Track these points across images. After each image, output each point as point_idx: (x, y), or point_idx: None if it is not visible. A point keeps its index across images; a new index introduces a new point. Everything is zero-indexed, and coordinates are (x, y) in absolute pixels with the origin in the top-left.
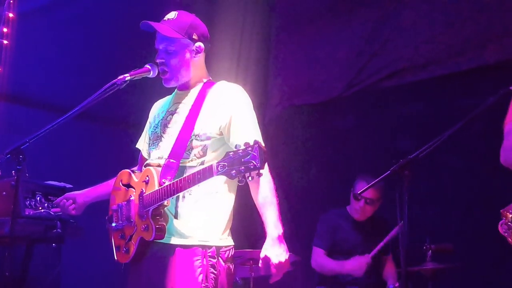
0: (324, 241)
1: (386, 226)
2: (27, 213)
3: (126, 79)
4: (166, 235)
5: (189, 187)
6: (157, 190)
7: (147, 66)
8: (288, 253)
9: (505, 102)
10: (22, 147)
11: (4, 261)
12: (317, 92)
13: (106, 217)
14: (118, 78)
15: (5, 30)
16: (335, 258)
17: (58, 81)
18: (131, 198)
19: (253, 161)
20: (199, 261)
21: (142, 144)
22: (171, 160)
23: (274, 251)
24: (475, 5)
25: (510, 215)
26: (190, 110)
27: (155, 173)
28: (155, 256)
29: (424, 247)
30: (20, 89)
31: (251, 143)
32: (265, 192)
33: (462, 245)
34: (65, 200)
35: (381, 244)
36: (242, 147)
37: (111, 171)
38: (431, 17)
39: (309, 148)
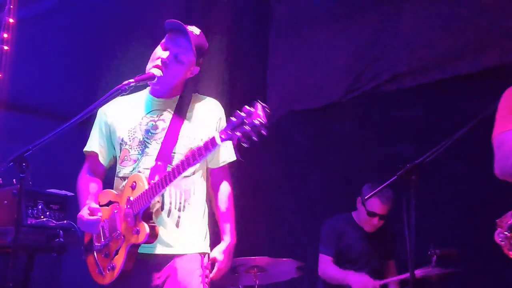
0: (330, 247)
1: (393, 233)
2: (29, 222)
3: (131, 84)
4: (166, 245)
5: (188, 167)
6: (147, 188)
7: (151, 71)
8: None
9: None
10: (25, 155)
11: (6, 271)
12: (316, 97)
13: (82, 247)
14: (123, 83)
15: (5, 36)
16: (341, 265)
17: (58, 87)
18: (115, 211)
19: (258, 119)
20: (199, 269)
21: (97, 146)
22: (158, 163)
23: (225, 258)
24: (473, 9)
25: (506, 225)
26: (177, 117)
27: (142, 176)
28: (154, 268)
29: (429, 252)
30: (20, 95)
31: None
32: (228, 203)
33: (467, 250)
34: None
35: (394, 279)
36: (242, 112)
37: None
38: (429, 21)
39: (308, 153)
